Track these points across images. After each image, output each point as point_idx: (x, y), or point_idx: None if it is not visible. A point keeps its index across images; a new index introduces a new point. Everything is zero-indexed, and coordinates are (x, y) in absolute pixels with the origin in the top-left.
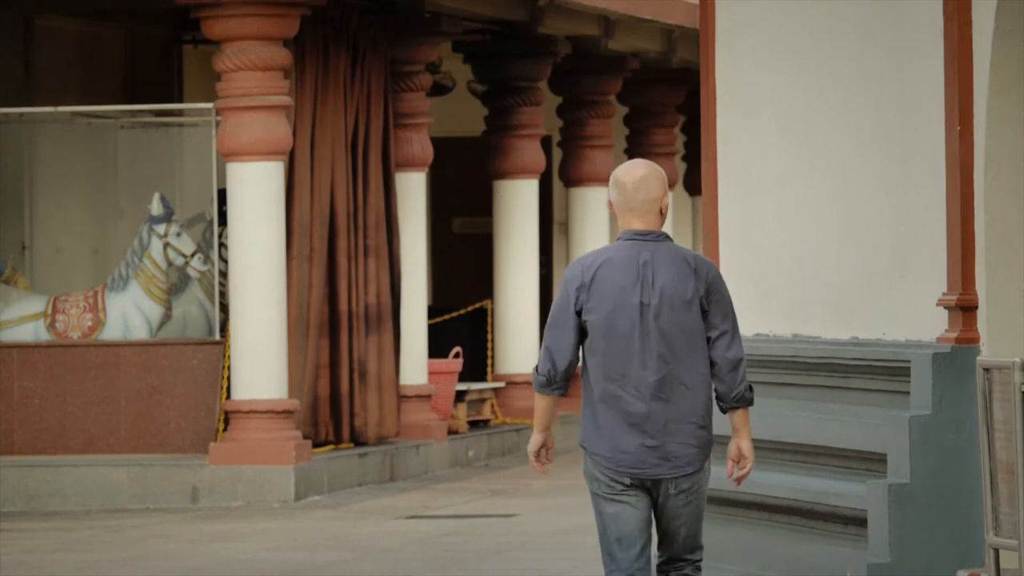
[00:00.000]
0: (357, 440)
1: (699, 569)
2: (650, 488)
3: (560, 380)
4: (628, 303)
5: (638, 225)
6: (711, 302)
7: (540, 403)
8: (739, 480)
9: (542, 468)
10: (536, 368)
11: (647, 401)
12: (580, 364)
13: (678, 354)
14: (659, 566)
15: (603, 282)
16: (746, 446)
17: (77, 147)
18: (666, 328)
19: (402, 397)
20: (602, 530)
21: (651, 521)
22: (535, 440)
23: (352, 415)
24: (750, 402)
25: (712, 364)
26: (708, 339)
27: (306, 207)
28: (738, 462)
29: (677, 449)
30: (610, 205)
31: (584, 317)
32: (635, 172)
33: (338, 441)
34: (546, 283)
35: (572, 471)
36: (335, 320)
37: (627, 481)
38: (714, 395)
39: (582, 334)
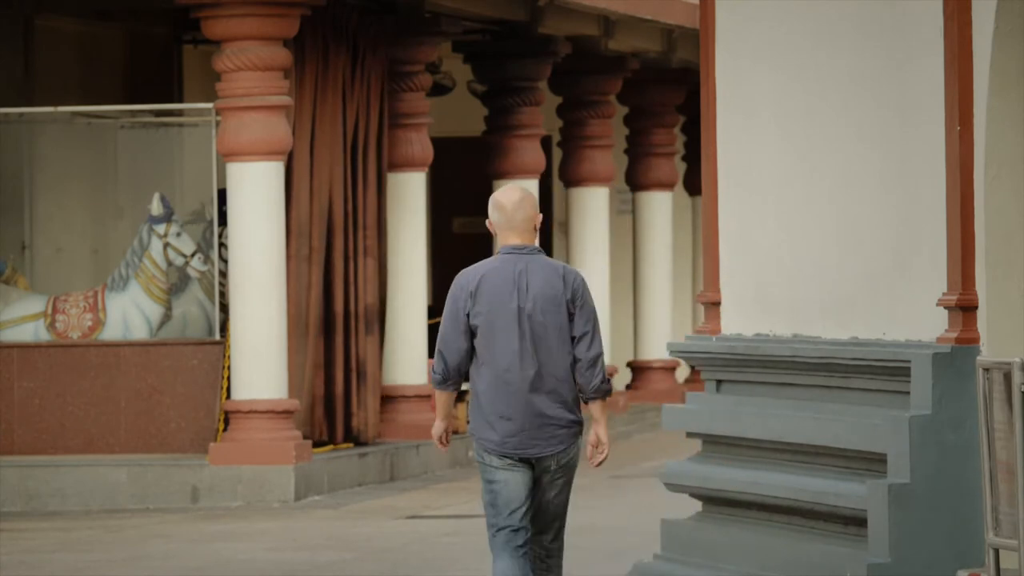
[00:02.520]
0: (356, 440)
1: (562, 545)
2: (533, 464)
3: (453, 377)
4: (507, 307)
5: (516, 241)
6: (577, 307)
7: (440, 397)
8: (598, 464)
9: (444, 449)
10: (433, 369)
11: (525, 391)
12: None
13: (550, 350)
14: (533, 544)
15: (486, 290)
16: (603, 433)
17: (77, 147)
18: (539, 328)
19: (402, 397)
20: (491, 499)
21: (533, 488)
22: (438, 427)
23: (351, 415)
24: (607, 393)
25: (575, 360)
26: (572, 338)
27: (305, 207)
28: (596, 447)
29: (551, 430)
30: (489, 225)
31: (472, 321)
32: (513, 195)
33: (337, 441)
34: None
35: None
36: (334, 320)
37: (510, 461)
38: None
39: (471, 336)
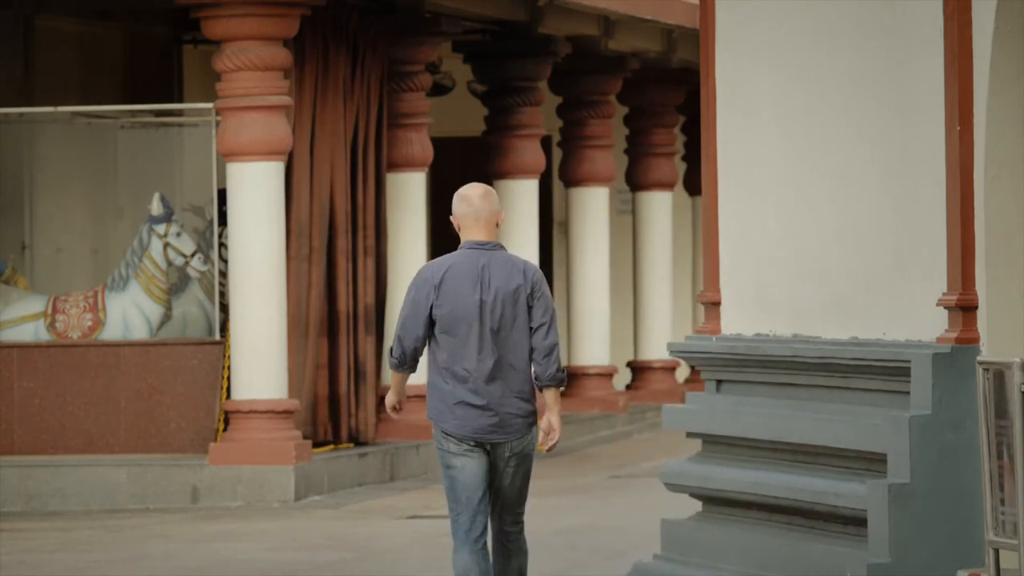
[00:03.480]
0: (356, 440)
1: (522, 528)
2: (488, 450)
3: (409, 361)
4: (470, 300)
5: (480, 236)
6: (535, 299)
7: (395, 377)
8: (549, 449)
9: (396, 416)
10: (391, 352)
11: (484, 380)
12: (429, 348)
13: (508, 341)
14: (495, 527)
15: (450, 283)
16: (555, 420)
17: (77, 147)
18: (499, 320)
19: None
20: (450, 484)
21: (488, 474)
22: (391, 398)
23: (351, 415)
24: (561, 382)
25: (532, 349)
26: (531, 329)
27: (305, 207)
28: (548, 434)
29: (507, 418)
30: (454, 220)
31: (435, 312)
32: (479, 189)
33: (336, 441)
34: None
35: (570, 471)
36: (334, 320)
37: (469, 444)
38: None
39: (431, 325)
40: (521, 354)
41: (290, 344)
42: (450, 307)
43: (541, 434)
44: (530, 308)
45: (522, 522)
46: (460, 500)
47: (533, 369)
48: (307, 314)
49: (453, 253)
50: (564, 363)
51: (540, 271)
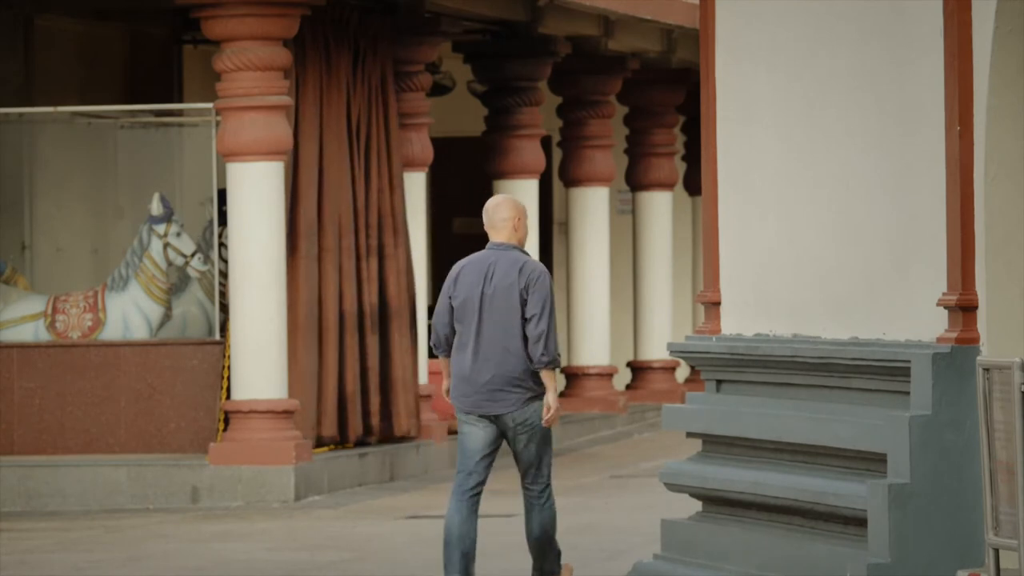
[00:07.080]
0: (366, 441)
1: (546, 489)
2: (495, 421)
3: (444, 345)
4: (475, 292)
5: (498, 238)
6: (529, 293)
7: (442, 362)
8: (548, 422)
9: (448, 400)
10: (429, 338)
11: (483, 360)
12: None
13: (505, 328)
14: (521, 484)
15: (464, 277)
16: (552, 398)
17: (77, 147)
18: (497, 309)
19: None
20: (460, 445)
21: (493, 442)
22: (444, 383)
23: (366, 414)
24: (548, 364)
25: (525, 337)
26: (525, 319)
27: (312, 207)
28: (547, 409)
29: (499, 395)
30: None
31: (452, 302)
32: (494, 200)
33: (344, 442)
34: None
35: (572, 471)
36: (342, 320)
37: (474, 416)
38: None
39: (453, 314)
40: (515, 339)
41: (301, 345)
42: (462, 298)
43: (544, 408)
44: (525, 301)
45: (543, 484)
46: (464, 458)
47: (528, 352)
48: (319, 314)
49: (476, 253)
50: (563, 360)
51: (542, 270)
